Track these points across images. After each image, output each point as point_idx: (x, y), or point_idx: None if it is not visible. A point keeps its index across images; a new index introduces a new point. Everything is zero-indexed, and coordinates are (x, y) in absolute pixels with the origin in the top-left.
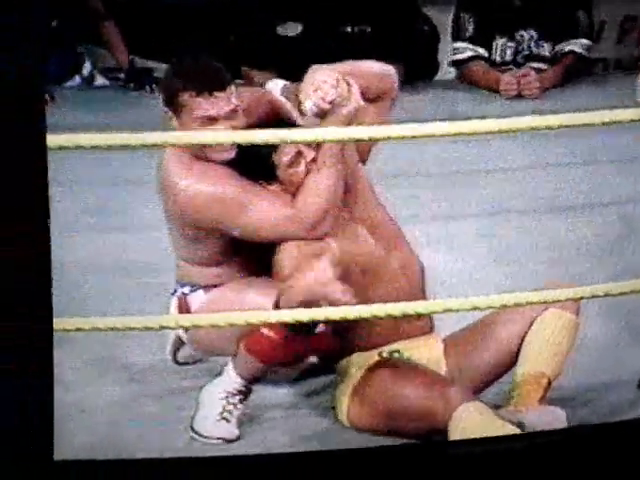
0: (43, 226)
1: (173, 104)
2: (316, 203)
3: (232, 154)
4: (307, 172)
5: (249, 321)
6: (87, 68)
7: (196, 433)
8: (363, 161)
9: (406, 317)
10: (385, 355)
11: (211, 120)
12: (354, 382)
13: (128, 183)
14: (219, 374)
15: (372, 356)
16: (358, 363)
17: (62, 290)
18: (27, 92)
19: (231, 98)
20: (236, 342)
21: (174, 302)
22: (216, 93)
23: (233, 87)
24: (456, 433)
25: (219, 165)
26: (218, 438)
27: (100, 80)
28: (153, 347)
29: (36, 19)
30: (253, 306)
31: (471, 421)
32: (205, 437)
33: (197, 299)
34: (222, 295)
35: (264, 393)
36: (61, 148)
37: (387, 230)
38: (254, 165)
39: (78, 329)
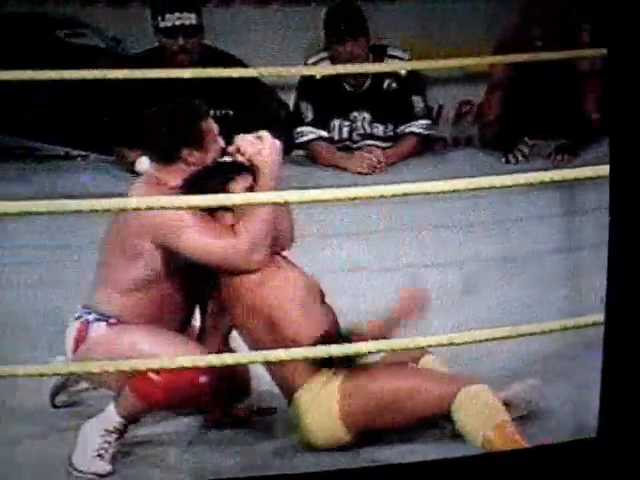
0: None
1: (198, 136)
2: (252, 231)
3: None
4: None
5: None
6: None
7: (73, 468)
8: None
9: None
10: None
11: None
12: (334, 397)
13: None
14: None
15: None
16: (320, 385)
17: None
18: None
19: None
20: (122, 381)
21: (75, 326)
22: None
23: None
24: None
25: (175, 191)
26: (93, 473)
27: None
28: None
29: None
30: (141, 352)
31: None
32: (81, 472)
33: (98, 330)
34: (119, 334)
35: (140, 431)
36: None
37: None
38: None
39: None
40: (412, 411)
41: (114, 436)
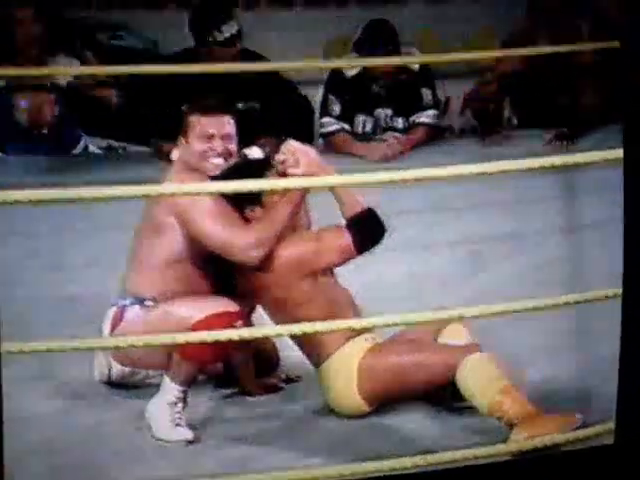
0: None
1: (184, 126)
2: (262, 230)
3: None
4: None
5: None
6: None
7: (162, 440)
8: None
9: None
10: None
11: (210, 137)
12: (353, 370)
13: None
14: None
15: (357, 346)
16: (344, 358)
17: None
18: None
19: (225, 125)
20: (167, 354)
21: (111, 313)
22: (215, 115)
23: (230, 119)
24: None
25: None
26: (181, 440)
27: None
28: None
29: None
30: (181, 320)
31: (473, 375)
32: (169, 441)
33: (132, 313)
34: (151, 310)
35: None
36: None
37: None
38: (244, 193)
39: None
40: (421, 384)
41: (180, 405)
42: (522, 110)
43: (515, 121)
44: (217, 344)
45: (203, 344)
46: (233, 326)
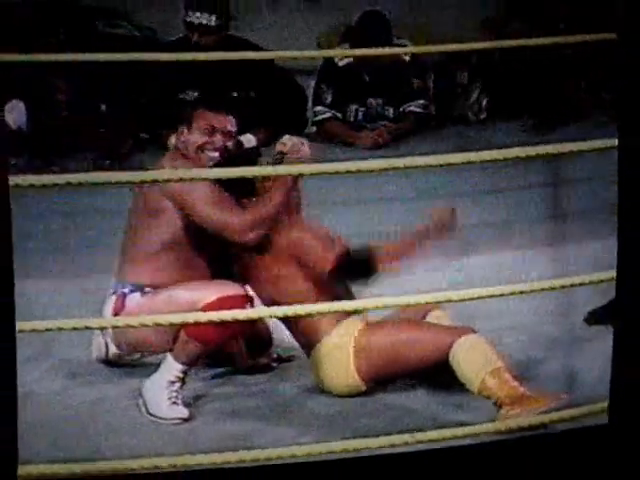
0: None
1: (188, 118)
2: (259, 213)
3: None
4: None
5: (180, 321)
6: None
7: (157, 417)
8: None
9: None
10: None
11: (212, 132)
12: (349, 350)
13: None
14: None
15: (351, 325)
16: (339, 337)
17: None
18: None
19: (228, 123)
20: (172, 334)
21: (111, 300)
22: (222, 113)
23: (233, 119)
24: (457, 365)
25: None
26: (177, 418)
27: None
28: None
29: None
30: (189, 303)
31: (466, 354)
32: (165, 419)
33: (134, 300)
34: (154, 296)
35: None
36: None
37: None
38: (238, 183)
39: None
40: (416, 360)
41: (178, 384)
42: (496, 98)
43: (484, 107)
44: (224, 325)
45: (210, 325)
46: (243, 309)
